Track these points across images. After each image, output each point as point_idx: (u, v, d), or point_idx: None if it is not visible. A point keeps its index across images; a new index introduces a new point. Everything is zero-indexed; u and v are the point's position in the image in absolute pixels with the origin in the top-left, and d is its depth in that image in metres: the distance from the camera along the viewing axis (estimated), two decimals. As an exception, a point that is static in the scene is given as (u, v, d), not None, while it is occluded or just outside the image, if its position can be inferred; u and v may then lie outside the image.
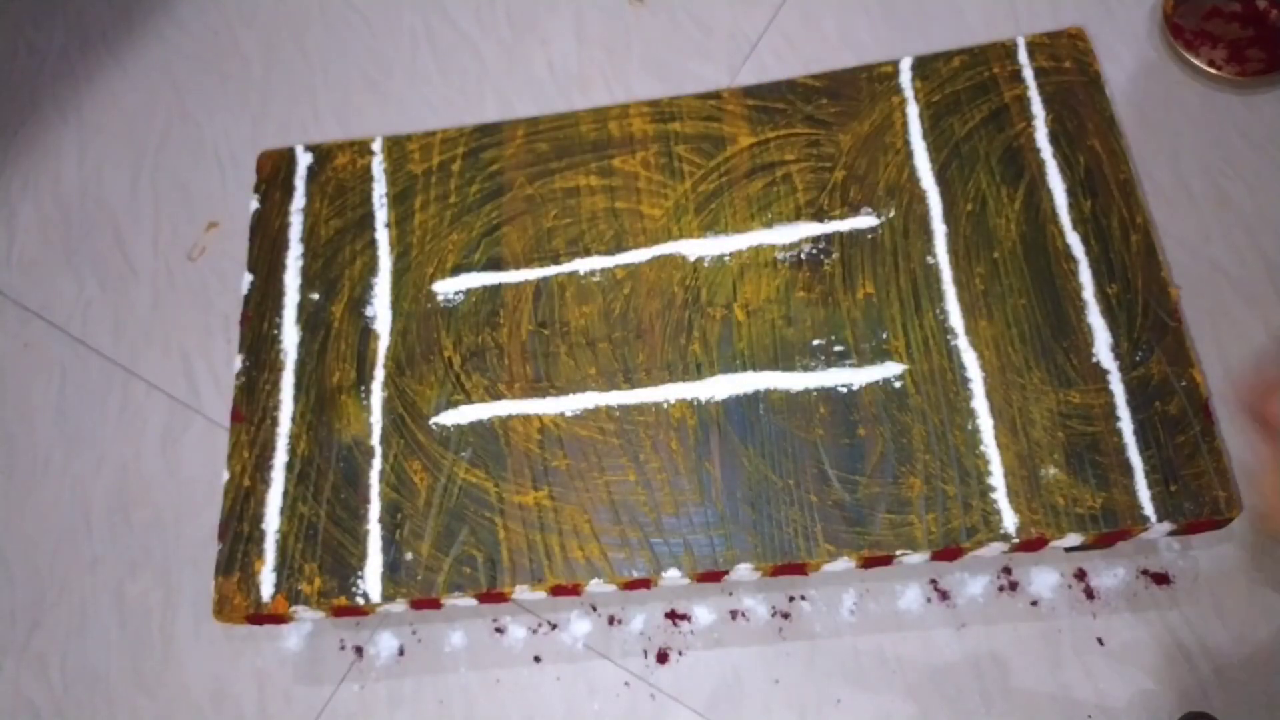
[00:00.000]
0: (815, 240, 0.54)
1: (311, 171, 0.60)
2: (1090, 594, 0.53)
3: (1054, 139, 0.54)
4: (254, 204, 0.60)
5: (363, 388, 0.54)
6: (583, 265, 0.55)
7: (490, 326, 0.55)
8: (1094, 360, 0.49)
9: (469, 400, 0.53)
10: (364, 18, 0.76)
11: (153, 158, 0.73)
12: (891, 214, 0.54)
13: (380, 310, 0.56)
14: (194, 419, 0.65)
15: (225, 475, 0.53)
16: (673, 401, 0.51)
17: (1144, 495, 0.47)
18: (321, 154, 0.61)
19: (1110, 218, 0.52)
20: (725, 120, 0.58)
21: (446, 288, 0.56)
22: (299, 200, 0.59)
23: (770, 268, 0.54)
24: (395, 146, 0.60)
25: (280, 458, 0.53)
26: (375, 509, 0.51)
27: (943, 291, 0.52)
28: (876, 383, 0.50)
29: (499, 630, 0.57)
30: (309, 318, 0.56)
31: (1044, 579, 0.54)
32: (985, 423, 0.49)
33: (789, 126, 0.57)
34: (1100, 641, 0.53)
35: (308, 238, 0.58)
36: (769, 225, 0.55)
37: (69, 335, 0.69)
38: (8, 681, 0.60)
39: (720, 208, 0.56)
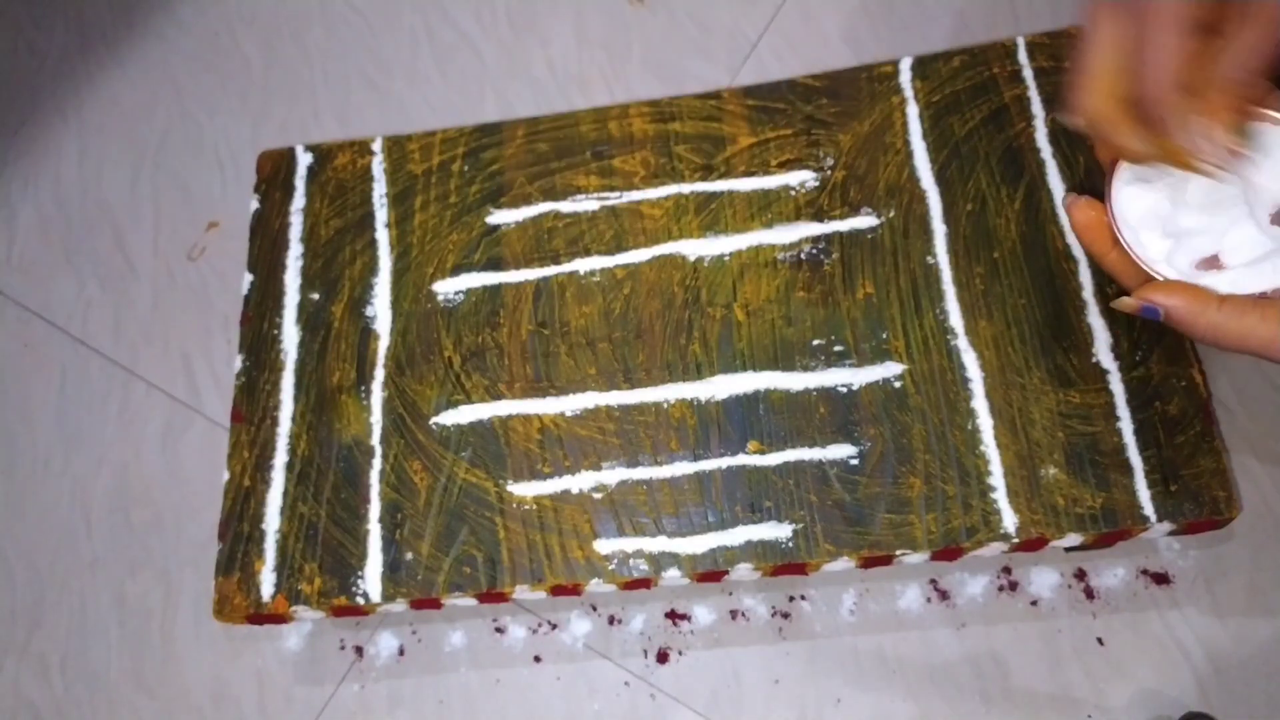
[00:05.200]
0: (815, 240, 0.54)
1: (311, 171, 0.60)
2: (1090, 594, 0.53)
3: (1054, 139, 0.54)
4: (254, 204, 0.60)
5: (363, 388, 0.54)
6: (583, 265, 0.55)
7: (490, 326, 0.55)
8: (1094, 360, 0.49)
9: (469, 400, 0.53)
10: (364, 18, 0.76)
11: (153, 158, 0.73)
12: (891, 214, 0.54)
13: (380, 310, 0.56)
14: (194, 419, 0.65)
15: (225, 475, 0.53)
16: (673, 401, 0.51)
17: (1144, 495, 0.47)
18: (321, 154, 0.61)
19: (1110, 218, 0.52)
20: (725, 120, 0.58)
21: (446, 288, 0.56)
22: (299, 200, 0.59)
23: (770, 268, 0.54)
24: (395, 146, 0.60)
25: (280, 458, 0.53)
26: (375, 509, 0.51)
27: (943, 291, 0.52)
28: (876, 383, 0.50)
29: (499, 630, 0.57)
30: (309, 318, 0.56)
31: (1044, 579, 0.54)
32: (985, 423, 0.49)
33: (789, 126, 0.57)
34: (1100, 641, 0.53)
35: (308, 238, 0.58)
36: (769, 225, 0.55)
37: (69, 335, 0.69)
38: (8, 681, 0.60)
39: (720, 208, 0.56)
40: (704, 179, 0.56)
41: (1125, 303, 0.40)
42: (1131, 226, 0.40)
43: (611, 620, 0.56)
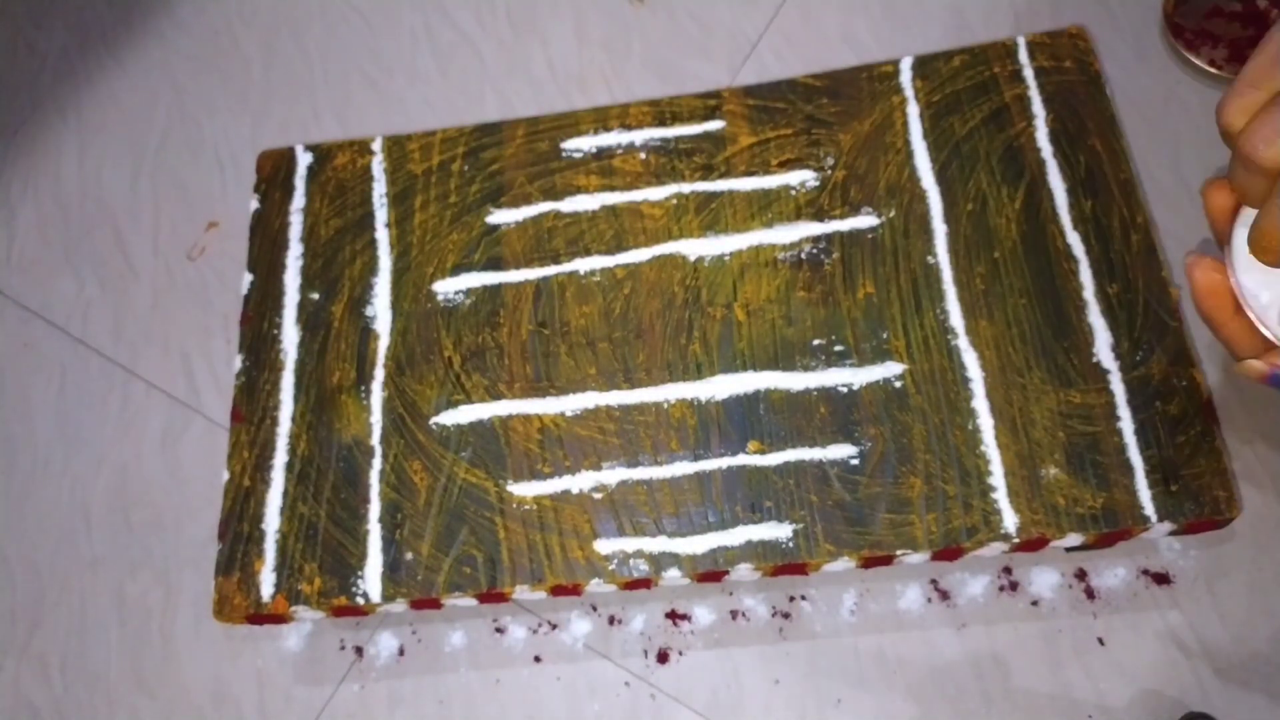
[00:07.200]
0: (815, 240, 0.54)
1: (311, 171, 0.60)
2: (1091, 594, 0.53)
3: (1054, 139, 0.54)
4: (254, 204, 0.60)
5: (363, 388, 0.54)
6: (583, 265, 0.55)
7: (490, 326, 0.55)
8: (1094, 360, 0.49)
9: (469, 400, 0.53)
10: (364, 17, 0.76)
11: (152, 158, 0.73)
12: (892, 214, 0.54)
13: (380, 310, 0.56)
14: (194, 419, 0.65)
15: (225, 475, 0.53)
16: (673, 401, 0.51)
17: (1144, 495, 0.47)
18: (321, 154, 0.61)
19: (1111, 217, 0.52)
20: (725, 120, 0.58)
21: (446, 287, 0.56)
22: (299, 200, 0.59)
23: (770, 267, 0.54)
24: (395, 146, 0.60)
25: (280, 458, 0.53)
26: (375, 509, 0.51)
27: (943, 291, 0.52)
28: (877, 383, 0.50)
29: (499, 630, 0.57)
30: (309, 318, 0.56)
31: (1044, 579, 0.54)
32: (985, 422, 0.49)
33: (789, 126, 0.57)
34: (1101, 641, 0.53)
35: (308, 237, 0.58)
36: (769, 225, 0.55)
37: (69, 335, 0.68)
38: (8, 681, 0.60)
39: (720, 207, 0.56)
40: (704, 179, 0.56)
41: (1253, 366, 0.37)
42: (1254, 293, 0.38)
43: (611, 620, 0.56)
